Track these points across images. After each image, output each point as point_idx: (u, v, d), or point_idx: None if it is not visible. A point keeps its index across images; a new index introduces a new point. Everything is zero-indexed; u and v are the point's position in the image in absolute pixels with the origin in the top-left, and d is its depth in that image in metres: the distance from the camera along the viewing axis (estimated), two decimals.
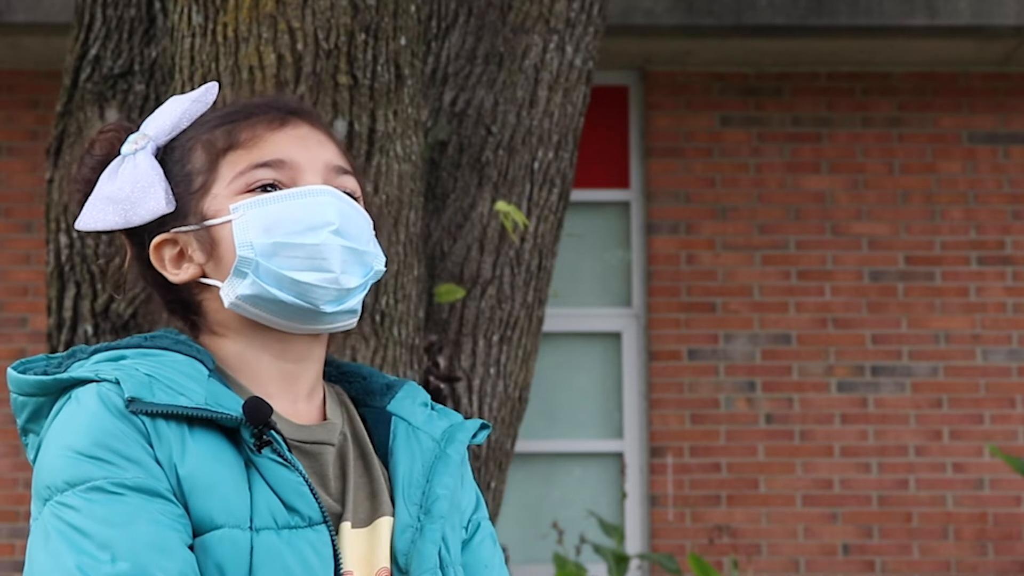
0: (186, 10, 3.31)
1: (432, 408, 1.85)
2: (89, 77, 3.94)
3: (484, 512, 1.86)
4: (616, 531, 6.69)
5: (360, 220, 1.74)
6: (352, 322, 1.76)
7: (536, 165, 3.91)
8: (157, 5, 3.91)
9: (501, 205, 3.74)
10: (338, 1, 3.26)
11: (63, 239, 3.89)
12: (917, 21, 7.09)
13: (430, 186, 3.85)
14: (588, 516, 7.07)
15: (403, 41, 3.40)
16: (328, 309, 1.71)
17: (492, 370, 3.85)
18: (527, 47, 3.93)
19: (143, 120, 1.82)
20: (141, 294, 3.83)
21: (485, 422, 1.86)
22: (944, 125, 7.67)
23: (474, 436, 1.83)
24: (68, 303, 3.88)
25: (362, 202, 1.79)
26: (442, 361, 3.81)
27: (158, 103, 3.90)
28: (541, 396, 7.13)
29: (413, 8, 3.46)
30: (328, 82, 3.26)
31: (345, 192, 1.75)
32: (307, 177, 1.73)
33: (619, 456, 7.48)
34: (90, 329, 3.86)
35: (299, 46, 3.23)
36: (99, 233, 3.56)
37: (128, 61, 3.93)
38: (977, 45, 7.34)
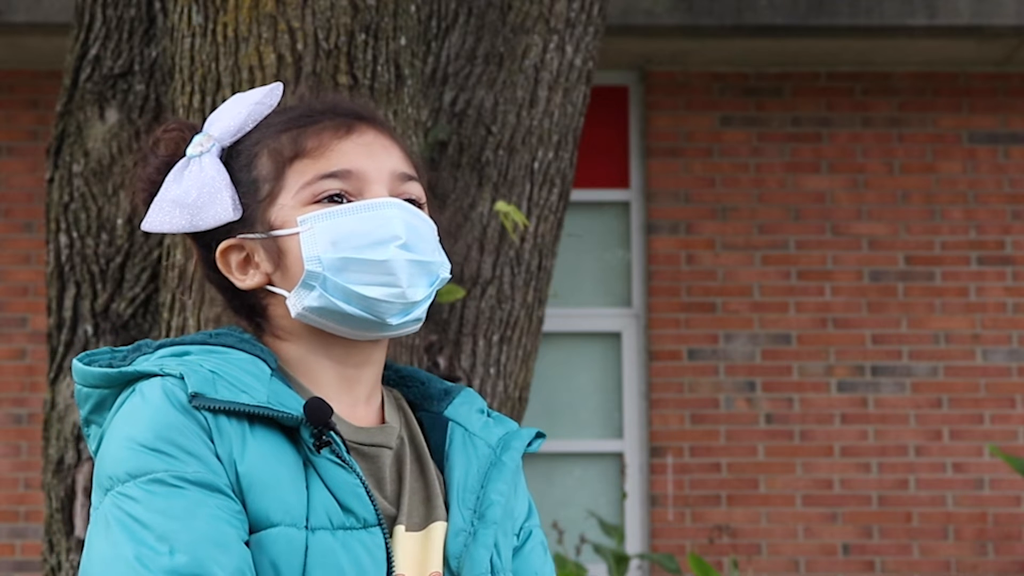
0: (186, 10, 3.31)
1: (488, 415, 1.86)
2: (89, 77, 3.94)
3: (536, 520, 1.87)
4: (616, 531, 6.69)
5: (426, 230, 1.76)
6: (417, 327, 1.78)
7: (536, 165, 3.91)
8: (157, 5, 3.91)
9: (501, 205, 3.74)
10: (338, 1, 3.26)
11: (63, 239, 3.89)
12: (917, 21, 7.09)
13: (430, 186, 3.84)
14: (588, 516, 7.07)
15: (403, 41, 3.40)
16: (394, 322, 1.73)
17: (492, 370, 3.85)
18: (527, 47, 3.93)
19: (207, 119, 1.81)
20: (141, 294, 3.85)
21: (541, 431, 1.87)
22: (944, 125, 7.68)
23: (529, 444, 1.84)
24: (68, 303, 3.88)
25: (426, 208, 1.80)
26: (442, 361, 3.81)
27: (158, 103, 3.90)
28: (541, 396, 7.13)
29: (413, 8, 3.46)
30: (328, 82, 3.26)
31: (411, 199, 1.77)
32: (373, 188, 1.74)
33: (619, 456, 7.49)
34: (90, 329, 3.86)
35: (299, 46, 3.23)
36: (106, 228, 3.54)
37: (128, 61, 3.93)
38: (977, 45, 7.34)
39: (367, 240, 1.71)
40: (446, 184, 3.89)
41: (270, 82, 3.20)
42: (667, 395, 7.48)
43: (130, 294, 3.87)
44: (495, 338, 3.86)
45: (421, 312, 1.76)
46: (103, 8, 3.94)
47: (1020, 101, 7.69)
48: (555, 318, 6.83)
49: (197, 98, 3.26)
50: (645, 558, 6.83)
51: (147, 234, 3.77)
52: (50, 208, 3.93)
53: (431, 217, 1.80)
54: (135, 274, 3.87)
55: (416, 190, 1.79)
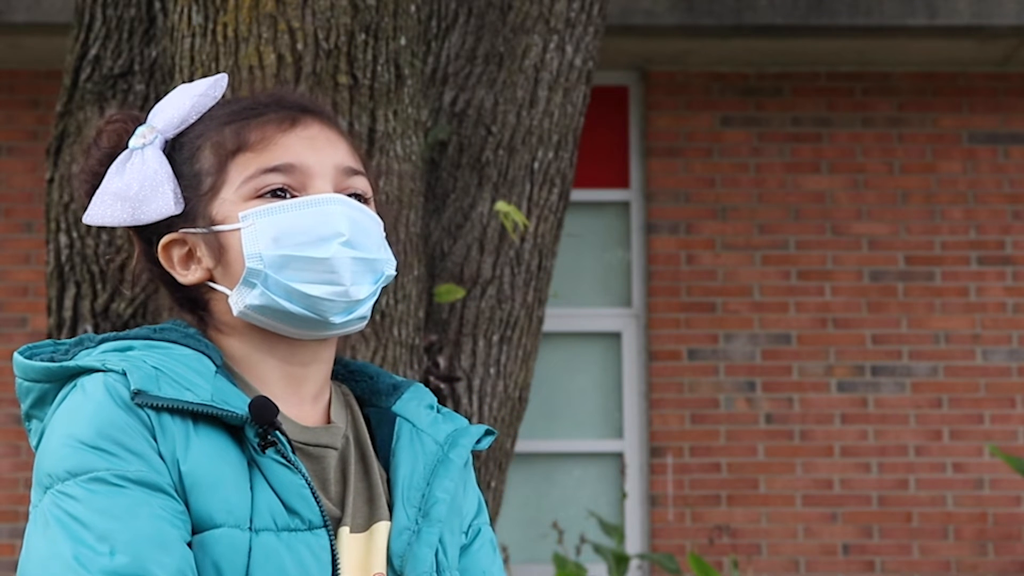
0: (186, 10, 3.31)
1: (438, 411, 1.83)
2: (89, 77, 3.94)
3: (485, 518, 1.84)
4: (616, 531, 6.69)
5: (370, 226, 1.72)
6: (362, 325, 1.74)
7: (536, 165, 3.91)
8: (157, 5, 3.91)
9: (501, 205, 3.74)
10: (338, 1, 3.26)
11: (63, 239, 3.89)
12: (917, 21, 7.09)
13: (430, 186, 3.85)
14: (588, 516, 7.07)
15: (403, 41, 3.40)
16: (337, 320, 1.70)
17: (492, 370, 3.85)
18: (527, 47, 3.93)
19: (149, 110, 1.78)
20: (141, 294, 3.85)
21: (490, 428, 1.84)
22: (944, 125, 7.68)
23: (478, 442, 1.81)
24: (68, 303, 3.88)
25: (372, 203, 1.76)
26: (442, 361, 3.81)
27: (158, 103, 3.90)
28: (541, 396, 7.13)
29: (413, 8, 3.46)
30: (328, 82, 3.26)
31: (356, 194, 1.73)
32: (317, 182, 1.70)
33: (619, 456, 7.48)
34: (90, 329, 3.86)
35: (299, 46, 3.24)
36: (105, 228, 3.54)
37: (128, 61, 3.93)
38: (977, 45, 7.34)
39: (309, 237, 1.67)
40: (446, 184, 3.89)
41: (270, 82, 3.20)
42: (667, 395, 7.48)
43: (130, 294, 3.87)
44: (495, 338, 3.86)
45: (366, 310, 1.72)
46: (103, 8, 3.94)
47: (1020, 101, 7.69)
48: (555, 318, 6.83)
49: None
50: (645, 558, 6.83)
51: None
52: (50, 208, 3.93)
53: (378, 212, 1.76)
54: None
55: (362, 185, 1.74)
